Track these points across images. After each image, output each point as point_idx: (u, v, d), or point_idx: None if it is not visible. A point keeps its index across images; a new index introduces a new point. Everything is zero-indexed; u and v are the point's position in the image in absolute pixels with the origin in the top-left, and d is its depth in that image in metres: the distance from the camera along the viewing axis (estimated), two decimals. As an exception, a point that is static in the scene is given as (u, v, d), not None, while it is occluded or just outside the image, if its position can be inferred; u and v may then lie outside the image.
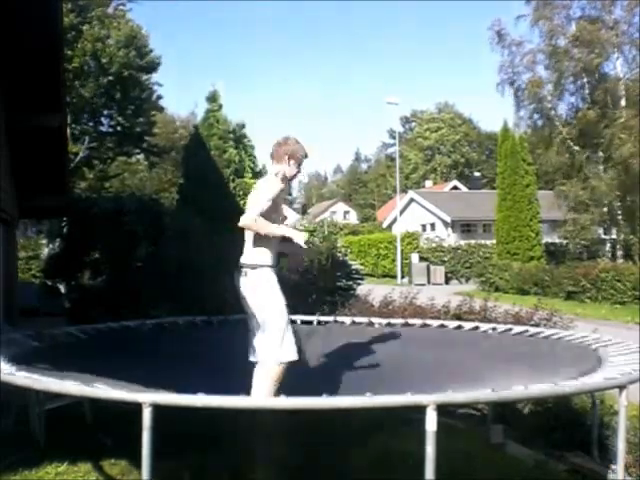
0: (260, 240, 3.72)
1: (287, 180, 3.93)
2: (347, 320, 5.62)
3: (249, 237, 3.79)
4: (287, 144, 3.91)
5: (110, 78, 22.84)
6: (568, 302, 16.22)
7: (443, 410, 2.77)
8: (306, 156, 3.98)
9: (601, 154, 20.21)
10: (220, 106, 16.93)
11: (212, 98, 13.57)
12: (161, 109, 27.65)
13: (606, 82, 19.71)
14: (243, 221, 3.65)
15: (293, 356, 3.65)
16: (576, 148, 20.38)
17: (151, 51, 24.77)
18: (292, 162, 3.88)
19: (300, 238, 3.67)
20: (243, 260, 3.82)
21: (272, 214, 3.74)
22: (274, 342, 3.64)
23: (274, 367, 3.62)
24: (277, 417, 3.70)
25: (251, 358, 3.82)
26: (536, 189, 22.97)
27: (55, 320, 7.94)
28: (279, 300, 3.71)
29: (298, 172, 3.97)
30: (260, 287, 3.71)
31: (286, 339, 3.65)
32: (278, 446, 3.87)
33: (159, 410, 2.47)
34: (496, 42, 21.42)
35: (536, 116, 21.66)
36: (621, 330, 9.98)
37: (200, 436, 3.83)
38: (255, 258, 3.75)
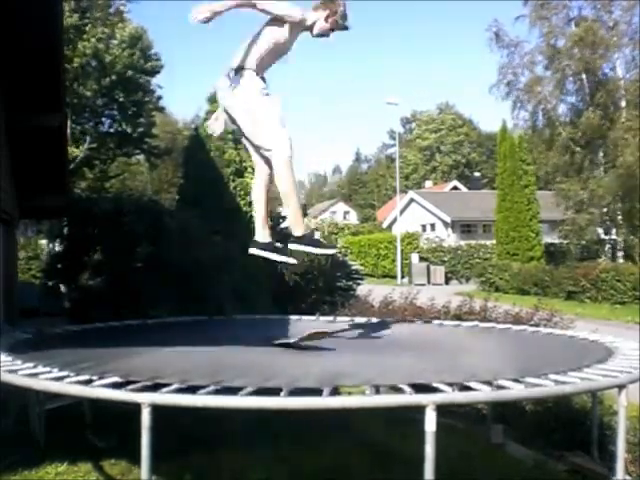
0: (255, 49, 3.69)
1: (305, 28, 3.76)
2: (347, 320, 5.62)
3: (244, 45, 3.73)
4: (337, 2, 3.76)
5: (113, 78, 22.82)
6: (568, 302, 16.23)
7: (443, 410, 2.77)
8: (345, 27, 3.83)
9: (601, 154, 20.22)
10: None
11: (212, 99, 13.59)
12: (162, 109, 27.62)
13: (607, 83, 19.73)
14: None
15: (291, 151, 3.64)
16: (577, 149, 20.38)
17: (156, 54, 24.81)
18: (328, 20, 3.73)
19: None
20: (231, 63, 3.73)
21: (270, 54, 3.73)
22: (276, 139, 3.61)
23: (285, 163, 3.61)
24: (277, 417, 3.70)
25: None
26: (536, 189, 22.99)
27: (55, 320, 7.93)
28: (272, 101, 3.69)
29: (325, 34, 3.80)
30: (250, 92, 3.66)
31: (285, 134, 3.64)
32: (278, 446, 3.86)
33: (159, 410, 2.47)
34: (494, 43, 21.46)
35: (535, 116, 21.67)
36: (621, 330, 9.99)
37: (200, 436, 3.83)
38: (243, 62, 3.70)
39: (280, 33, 3.71)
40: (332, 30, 3.80)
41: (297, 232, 3.74)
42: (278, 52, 3.79)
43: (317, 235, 14.16)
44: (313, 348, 4.02)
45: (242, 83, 3.67)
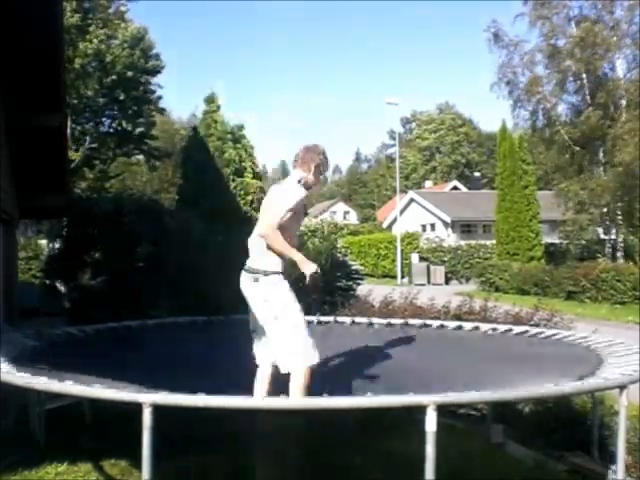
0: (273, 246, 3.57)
1: (306, 189, 3.73)
2: (347, 320, 5.62)
3: (261, 241, 3.63)
4: (317, 152, 3.78)
5: (113, 78, 22.82)
6: (568, 302, 16.22)
7: (443, 410, 2.77)
8: (327, 170, 3.92)
9: (601, 154, 20.21)
10: (218, 107, 16.95)
11: (210, 100, 13.60)
12: (162, 110, 27.63)
13: (607, 83, 19.72)
14: (262, 230, 3.55)
15: (317, 358, 3.55)
16: (576, 148, 20.37)
17: (157, 55, 24.81)
18: (317, 172, 3.75)
19: (308, 269, 3.54)
20: (253, 265, 3.66)
21: (293, 224, 3.66)
22: (299, 348, 3.52)
23: (302, 372, 3.50)
24: (277, 417, 3.69)
25: (259, 362, 3.75)
26: (535, 189, 22.98)
27: (55, 320, 7.93)
28: (297, 307, 3.60)
29: (317, 184, 3.85)
30: (275, 295, 3.57)
31: (309, 343, 3.55)
32: (278, 446, 3.86)
33: (159, 410, 2.47)
34: (493, 43, 21.44)
35: (535, 116, 21.66)
36: (621, 330, 9.99)
37: (200, 436, 3.83)
38: (267, 264, 3.60)
39: (295, 221, 3.70)
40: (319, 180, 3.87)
41: None
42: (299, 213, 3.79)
43: (317, 235, 14.13)
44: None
45: (271, 286, 3.59)
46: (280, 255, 3.58)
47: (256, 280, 3.60)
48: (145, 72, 24.23)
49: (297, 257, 3.57)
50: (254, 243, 3.70)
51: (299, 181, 3.69)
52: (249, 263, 3.70)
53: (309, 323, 5.34)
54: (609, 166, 19.42)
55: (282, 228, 3.54)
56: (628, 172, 17.71)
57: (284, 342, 3.55)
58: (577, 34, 19.48)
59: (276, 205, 3.61)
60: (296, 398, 3.42)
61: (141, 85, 24.32)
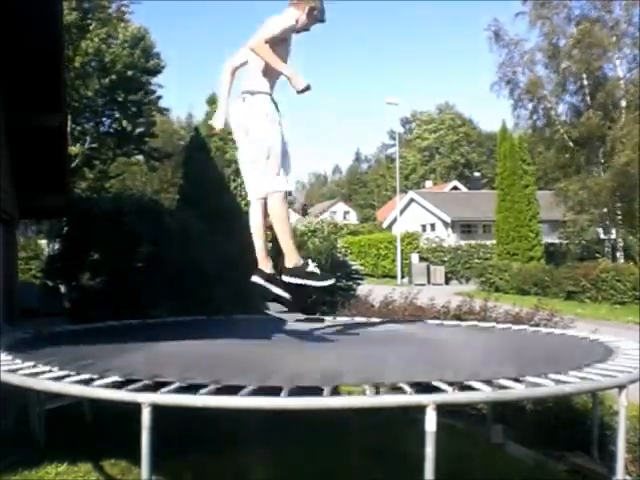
0: (264, 68, 3.67)
1: (294, 29, 3.80)
2: (347, 320, 5.62)
3: (252, 63, 3.75)
4: None
5: (113, 77, 22.82)
6: (568, 302, 16.23)
7: (443, 410, 2.77)
8: (323, 20, 3.92)
9: (601, 155, 20.21)
10: (219, 107, 17.14)
11: (212, 100, 13.59)
12: (164, 110, 27.67)
13: (607, 83, 19.72)
14: (251, 43, 3.63)
15: (290, 186, 3.70)
16: (576, 148, 20.37)
17: (158, 54, 24.82)
18: (309, 14, 3.81)
19: (300, 82, 3.58)
20: (243, 88, 3.76)
21: (280, 51, 3.70)
22: (273, 171, 3.63)
23: (280, 196, 3.63)
24: (276, 416, 3.69)
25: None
26: (535, 189, 23.00)
27: (55, 320, 7.93)
28: (278, 130, 3.68)
29: (306, 28, 3.89)
30: (260, 115, 3.66)
31: (284, 169, 3.66)
32: (278, 446, 3.86)
33: (159, 410, 2.47)
34: (493, 42, 21.45)
35: (535, 116, 21.67)
36: (621, 330, 9.98)
37: (200, 436, 3.83)
38: (255, 84, 3.70)
39: (285, 47, 3.77)
40: (310, 25, 3.91)
41: (290, 264, 3.74)
42: (287, 43, 3.84)
43: (317, 235, 14.15)
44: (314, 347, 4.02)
45: (258, 106, 3.69)
46: (271, 75, 3.67)
47: (243, 100, 3.71)
48: (145, 72, 24.24)
49: (288, 71, 3.63)
50: (247, 68, 3.81)
51: (290, 14, 3.77)
52: (243, 85, 3.80)
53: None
54: (608, 166, 19.42)
55: (273, 47, 3.61)
56: (627, 174, 17.73)
57: (262, 164, 3.66)
58: (575, 35, 19.51)
59: (269, 24, 3.69)
60: (278, 221, 3.62)
61: (141, 85, 24.32)
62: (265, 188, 3.69)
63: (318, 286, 3.91)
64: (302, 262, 3.83)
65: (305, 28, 3.90)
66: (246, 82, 3.79)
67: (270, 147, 3.65)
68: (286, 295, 3.92)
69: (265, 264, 3.91)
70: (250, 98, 3.71)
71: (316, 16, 3.88)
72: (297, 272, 3.75)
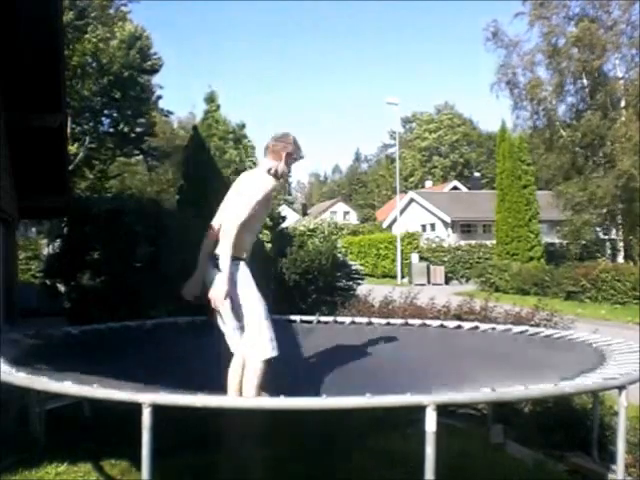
0: (239, 233, 3.56)
1: (277, 178, 3.79)
2: (347, 320, 5.62)
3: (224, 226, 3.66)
4: (287, 141, 3.81)
5: (110, 78, 22.82)
6: (568, 302, 16.22)
7: (443, 410, 2.77)
8: (302, 157, 3.94)
9: (601, 155, 20.21)
10: (218, 106, 17.06)
11: (210, 99, 13.57)
12: (167, 113, 27.70)
13: (606, 83, 19.72)
14: (229, 226, 3.54)
15: (273, 352, 3.53)
16: (577, 149, 20.37)
17: (155, 54, 24.82)
18: (288, 161, 3.80)
19: (214, 292, 3.50)
20: (217, 250, 3.65)
21: (262, 212, 3.72)
22: (254, 338, 3.54)
23: (257, 364, 3.52)
24: (276, 417, 3.69)
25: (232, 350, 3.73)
26: (535, 189, 22.99)
27: (55, 320, 7.93)
28: (256, 295, 3.61)
29: (288, 173, 3.94)
30: (237, 281, 3.57)
31: (266, 335, 3.54)
32: (278, 446, 3.86)
33: (159, 410, 2.47)
34: (492, 43, 21.46)
35: (536, 117, 21.68)
36: (621, 330, 9.99)
37: (200, 436, 3.83)
38: (233, 251, 3.58)
39: (264, 209, 3.77)
40: (291, 165, 3.90)
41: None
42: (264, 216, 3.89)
43: (317, 235, 14.13)
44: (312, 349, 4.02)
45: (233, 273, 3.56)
46: (247, 237, 3.62)
47: (216, 266, 3.60)
48: (142, 71, 24.23)
49: (224, 273, 3.49)
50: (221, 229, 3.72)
51: (269, 170, 3.72)
52: (215, 251, 3.70)
53: (309, 322, 5.37)
54: (609, 167, 19.42)
55: (251, 217, 3.58)
56: (628, 177, 17.74)
57: (243, 329, 3.57)
58: (573, 34, 19.50)
59: (246, 199, 3.61)
60: (249, 391, 3.47)
61: (138, 85, 24.30)
62: (246, 353, 3.58)
63: None
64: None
65: (286, 174, 3.89)
66: (219, 247, 3.64)
67: (253, 314, 3.56)
68: None
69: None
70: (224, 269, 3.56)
71: (295, 158, 3.86)
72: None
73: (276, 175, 3.75)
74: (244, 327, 3.60)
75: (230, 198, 3.84)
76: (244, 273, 3.63)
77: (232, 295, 3.54)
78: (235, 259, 3.56)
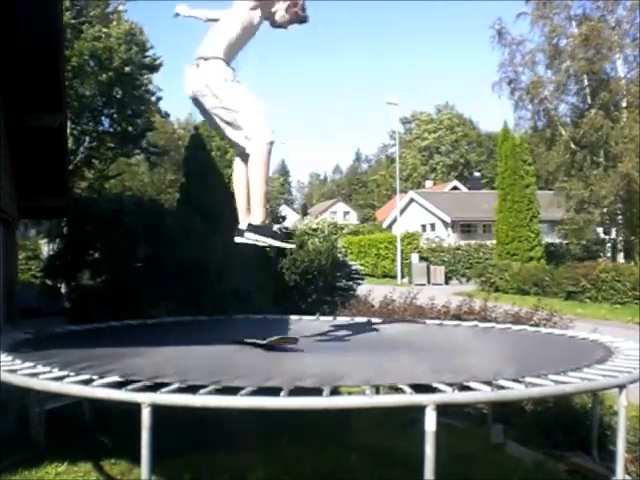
0: (231, 34, 3.62)
1: (268, 15, 3.74)
2: (347, 319, 5.62)
3: (220, 25, 3.70)
4: None
5: (110, 74, 22.76)
6: (568, 302, 16.22)
7: (443, 410, 2.77)
8: (304, 19, 3.84)
9: (602, 154, 20.20)
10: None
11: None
12: (164, 115, 27.63)
13: (608, 82, 19.70)
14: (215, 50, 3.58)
15: (273, 137, 3.58)
16: (578, 149, 20.36)
17: (152, 48, 24.75)
18: (289, 9, 3.75)
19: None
20: (198, 51, 3.66)
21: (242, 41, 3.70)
22: (256, 126, 3.55)
23: (264, 149, 3.54)
24: (276, 416, 3.70)
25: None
26: (536, 189, 22.98)
27: (55, 320, 7.93)
28: (242, 88, 3.61)
29: (283, 25, 3.82)
30: (219, 81, 3.56)
31: (263, 121, 3.57)
32: (277, 446, 3.86)
33: (159, 410, 2.47)
34: (496, 41, 21.43)
35: (537, 117, 21.66)
36: (621, 330, 9.98)
37: (200, 436, 3.83)
38: (211, 49, 3.61)
39: (252, 17, 3.69)
40: (291, 22, 3.82)
41: (255, 220, 3.64)
42: (246, 38, 3.76)
43: (317, 235, 14.16)
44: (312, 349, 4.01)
45: (213, 72, 3.58)
46: (236, 42, 3.63)
47: (197, 66, 3.60)
48: (143, 67, 24.16)
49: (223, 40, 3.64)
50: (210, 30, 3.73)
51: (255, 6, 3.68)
52: (197, 51, 3.71)
53: (308, 322, 5.37)
54: (610, 165, 19.40)
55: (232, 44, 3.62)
56: (630, 178, 17.75)
57: (240, 124, 3.58)
58: (581, 32, 19.44)
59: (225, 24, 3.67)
60: (258, 177, 3.54)
61: (139, 82, 24.24)
62: (248, 142, 3.60)
63: (279, 246, 3.82)
64: (268, 222, 3.75)
65: (283, 25, 3.81)
66: (201, 46, 3.68)
67: (243, 106, 3.56)
68: (288, 245, 3.87)
69: (246, 220, 3.79)
70: (204, 64, 3.60)
71: (298, 14, 3.79)
72: (262, 230, 3.62)
73: (272, 15, 3.73)
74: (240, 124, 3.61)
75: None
76: (228, 71, 3.63)
77: (223, 94, 3.55)
78: (215, 58, 3.59)
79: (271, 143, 3.56)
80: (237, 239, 3.76)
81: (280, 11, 3.74)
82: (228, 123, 3.65)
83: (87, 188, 24.03)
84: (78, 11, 20.86)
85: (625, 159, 17.74)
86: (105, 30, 22.10)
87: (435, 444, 2.38)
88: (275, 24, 3.79)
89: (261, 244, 3.71)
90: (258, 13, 3.68)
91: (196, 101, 3.69)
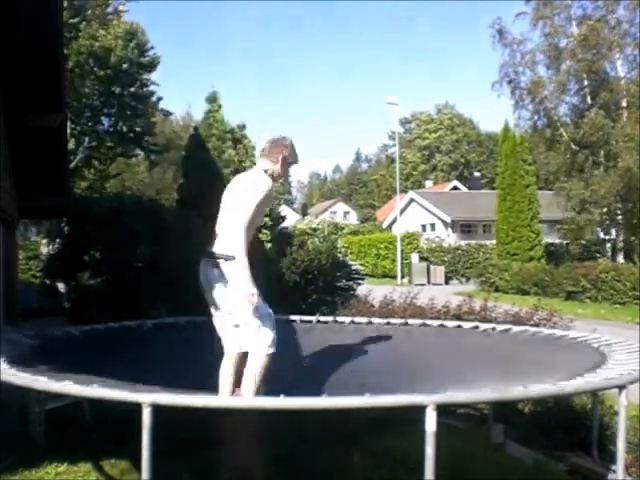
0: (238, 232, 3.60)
1: (273, 180, 3.84)
2: (347, 320, 5.62)
3: (226, 227, 3.72)
4: (284, 144, 3.87)
5: (108, 72, 22.74)
6: (568, 302, 16.23)
7: (443, 410, 2.77)
8: (297, 162, 3.99)
9: (603, 155, 20.20)
10: (220, 106, 17.10)
11: (212, 99, 13.52)
12: (165, 112, 27.60)
13: (608, 82, 19.70)
14: (237, 228, 3.57)
15: (274, 348, 3.59)
16: (578, 149, 20.36)
17: (152, 47, 24.73)
18: (283, 165, 3.85)
19: (242, 291, 3.53)
20: (216, 250, 3.73)
21: (260, 213, 3.76)
22: (258, 334, 3.57)
23: (262, 358, 3.56)
24: (276, 416, 3.69)
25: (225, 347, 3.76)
26: (536, 189, 22.98)
27: (55, 320, 7.93)
28: (256, 292, 3.62)
29: (285, 176, 3.97)
30: (236, 280, 3.59)
31: (268, 331, 3.59)
32: (278, 446, 3.86)
33: (159, 410, 2.47)
34: (497, 40, 21.43)
35: (537, 116, 21.65)
36: (621, 330, 9.98)
37: (200, 436, 3.83)
38: (230, 249, 3.64)
39: (263, 210, 3.84)
40: (287, 170, 3.97)
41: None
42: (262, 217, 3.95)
43: (317, 235, 14.15)
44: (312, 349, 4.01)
45: (231, 273, 3.60)
46: (246, 236, 3.61)
47: (216, 266, 3.66)
48: (141, 66, 24.14)
49: (245, 272, 3.54)
50: (223, 230, 3.75)
51: (266, 171, 3.79)
52: (212, 249, 3.77)
53: (309, 322, 5.37)
54: (611, 166, 19.40)
55: (252, 217, 3.63)
56: (630, 176, 17.74)
57: (244, 326, 3.60)
58: (581, 32, 19.44)
59: (247, 200, 3.64)
60: (248, 386, 3.50)
61: (137, 80, 24.21)
62: (248, 345, 3.62)
63: None
64: None
65: (281, 177, 3.93)
66: (218, 246, 3.73)
67: (251, 325, 3.58)
68: None
69: None
70: (224, 265, 3.64)
71: (291, 163, 3.92)
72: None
73: (272, 177, 3.81)
74: (245, 324, 3.62)
75: (229, 199, 3.85)
76: (245, 271, 3.62)
77: (234, 293, 3.57)
78: (233, 257, 3.60)
79: (271, 356, 3.58)
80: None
81: (276, 169, 3.84)
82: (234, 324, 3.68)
83: (87, 188, 24.02)
84: (75, 10, 20.82)
85: (626, 156, 17.74)
86: (103, 30, 22.09)
87: (435, 444, 2.38)
88: (275, 181, 3.89)
89: None
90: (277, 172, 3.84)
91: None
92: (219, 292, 3.71)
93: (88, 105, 23.45)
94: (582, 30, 19.42)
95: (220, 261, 3.66)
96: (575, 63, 19.67)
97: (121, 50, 22.84)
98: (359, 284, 10.03)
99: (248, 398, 3.40)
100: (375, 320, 5.41)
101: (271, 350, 3.58)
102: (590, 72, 19.60)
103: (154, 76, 25.49)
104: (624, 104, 19.64)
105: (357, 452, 3.85)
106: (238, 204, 3.68)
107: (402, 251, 28.01)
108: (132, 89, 23.92)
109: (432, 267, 27.19)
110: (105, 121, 24.98)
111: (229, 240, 3.66)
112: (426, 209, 35.12)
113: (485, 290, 18.84)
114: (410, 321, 5.31)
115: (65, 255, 8.89)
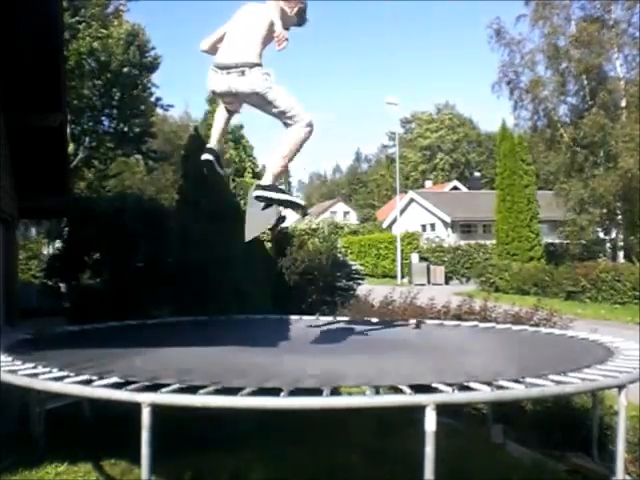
0: (263, 37, 3.72)
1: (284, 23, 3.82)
2: (347, 320, 5.63)
3: (244, 33, 3.80)
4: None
5: (109, 75, 22.74)
6: (568, 302, 16.22)
7: (443, 410, 2.77)
8: (303, 20, 4.00)
9: (602, 154, 20.19)
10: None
11: (212, 99, 13.52)
12: (166, 107, 27.57)
13: (607, 82, 19.70)
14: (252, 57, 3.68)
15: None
16: (578, 149, 20.36)
17: (153, 48, 24.72)
18: (298, 14, 3.89)
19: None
20: (234, 59, 3.73)
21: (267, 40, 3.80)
22: (299, 111, 3.70)
23: (304, 129, 3.70)
24: (277, 416, 3.70)
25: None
26: (535, 189, 22.97)
27: (55, 320, 7.93)
28: (279, 87, 3.72)
29: (287, 27, 3.90)
30: (260, 86, 3.66)
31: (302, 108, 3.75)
32: (277, 446, 3.86)
33: (159, 410, 2.48)
34: (495, 41, 21.42)
35: (536, 117, 21.65)
36: (621, 330, 9.98)
37: (200, 436, 3.83)
38: (252, 56, 3.70)
39: (280, 23, 3.78)
40: (295, 23, 3.97)
41: (266, 182, 3.80)
42: (270, 39, 3.87)
43: (317, 235, 14.17)
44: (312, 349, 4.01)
45: (260, 81, 3.67)
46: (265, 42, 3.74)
47: (242, 74, 3.66)
48: (141, 68, 24.12)
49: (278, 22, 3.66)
50: (237, 37, 3.84)
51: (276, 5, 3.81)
52: (224, 59, 3.77)
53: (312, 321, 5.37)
54: (611, 166, 19.39)
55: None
56: (630, 176, 17.75)
57: (284, 114, 3.71)
58: (572, 34, 19.48)
59: (253, 34, 3.77)
60: (282, 156, 3.72)
61: (138, 82, 24.20)
62: (293, 123, 3.75)
63: (289, 200, 3.93)
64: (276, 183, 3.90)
65: (287, 27, 3.91)
66: (235, 52, 3.75)
67: (288, 104, 3.71)
68: (298, 200, 4.02)
69: (218, 147, 4.07)
70: (249, 72, 3.67)
71: (303, 17, 3.95)
72: (270, 188, 3.78)
73: (283, 20, 3.81)
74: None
75: (235, 29, 3.92)
76: (267, 78, 3.72)
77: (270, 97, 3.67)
78: (257, 65, 3.68)
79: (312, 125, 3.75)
80: (255, 193, 3.90)
81: (288, 12, 3.87)
82: (273, 113, 3.79)
83: (87, 188, 24.01)
84: (75, 10, 20.80)
85: (626, 157, 17.74)
86: (103, 30, 22.08)
87: (435, 444, 2.38)
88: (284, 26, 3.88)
89: (275, 198, 3.84)
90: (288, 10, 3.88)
91: (221, 94, 3.83)
92: (245, 99, 3.80)
93: (88, 105, 23.45)
94: (580, 30, 19.42)
95: (242, 69, 3.68)
96: (573, 63, 19.67)
97: (122, 54, 22.83)
98: (359, 284, 10.03)
99: (248, 398, 3.39)
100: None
101: (311, 118, 3.73)
102: (586, 72, 19.60)
103: (154, 76, 25.50)
104: (623, 104, 19.64)
105: (357, 452, 3.85)
106: (246, 38, 3.77)
107: (402, 251, 28.01)
108: (134, 92, 23.92)
109: (432, 267, 27.19)
110: (105, 121, 24.98)
111: (243, 48, 3.74)
112: (426, 209, 35.11)
113: (485, 290, 18.83)
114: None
115: (65, 255, 8.88)
